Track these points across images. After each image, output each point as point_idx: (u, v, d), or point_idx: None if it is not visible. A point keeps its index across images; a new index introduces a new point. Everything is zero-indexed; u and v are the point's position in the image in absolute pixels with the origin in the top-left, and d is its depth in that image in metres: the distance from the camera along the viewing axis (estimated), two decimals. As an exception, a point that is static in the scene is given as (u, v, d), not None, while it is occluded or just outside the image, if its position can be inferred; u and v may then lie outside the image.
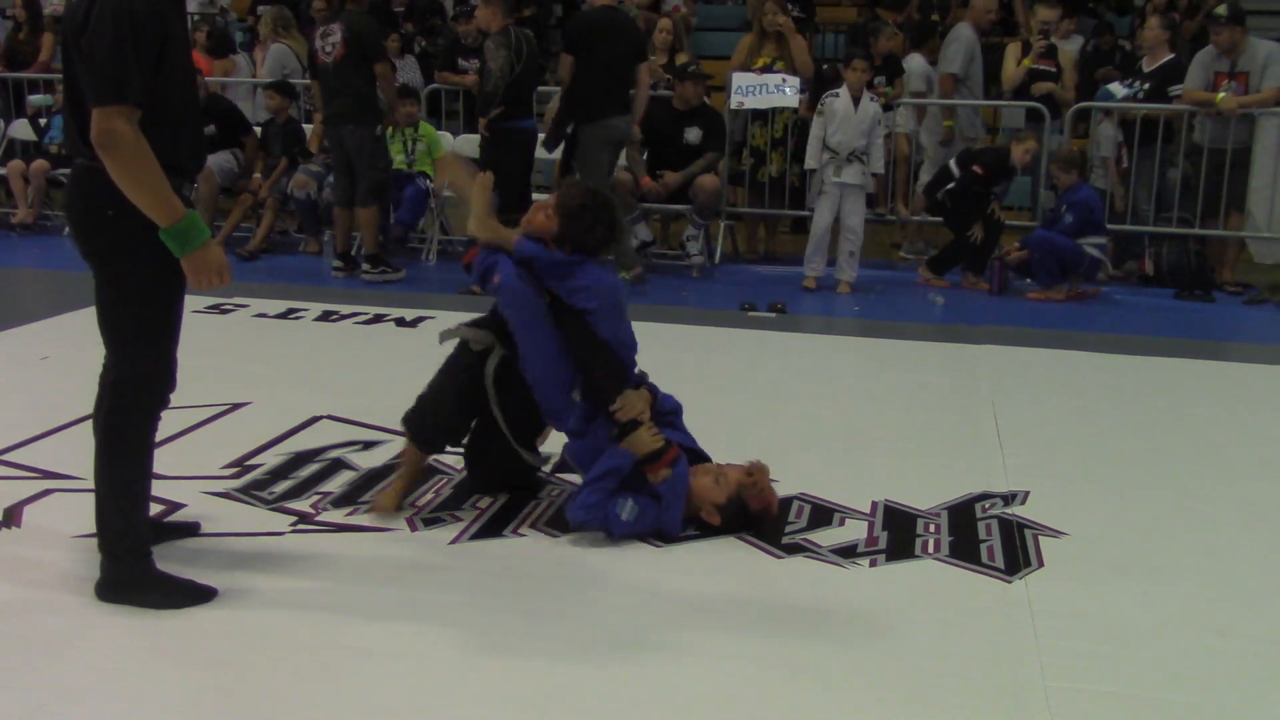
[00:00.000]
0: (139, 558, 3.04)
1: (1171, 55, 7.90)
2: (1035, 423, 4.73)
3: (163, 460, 4.03)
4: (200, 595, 3.03)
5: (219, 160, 8.32)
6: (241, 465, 4.01)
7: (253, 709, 2.57)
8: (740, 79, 8.12)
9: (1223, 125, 7.61)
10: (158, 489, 3.78)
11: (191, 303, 6.44)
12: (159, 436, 4.20)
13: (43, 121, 9.30)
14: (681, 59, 8.56)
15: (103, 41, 2.67)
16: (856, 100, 7.33)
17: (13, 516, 3.55)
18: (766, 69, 8.08)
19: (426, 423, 3.70)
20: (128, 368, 2.98)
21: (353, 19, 7.30)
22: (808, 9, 10.76)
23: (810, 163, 7.55)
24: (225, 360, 5.34)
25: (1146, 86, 7.89)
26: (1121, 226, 8.06)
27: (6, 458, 4.03)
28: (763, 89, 8.02)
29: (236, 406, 4.60)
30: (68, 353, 5.29)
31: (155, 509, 3.62)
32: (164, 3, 2.77)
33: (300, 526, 3.56)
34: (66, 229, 8.42)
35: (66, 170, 8.78)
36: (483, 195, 3.68)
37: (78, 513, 3.56)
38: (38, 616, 2.94)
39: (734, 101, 8.11)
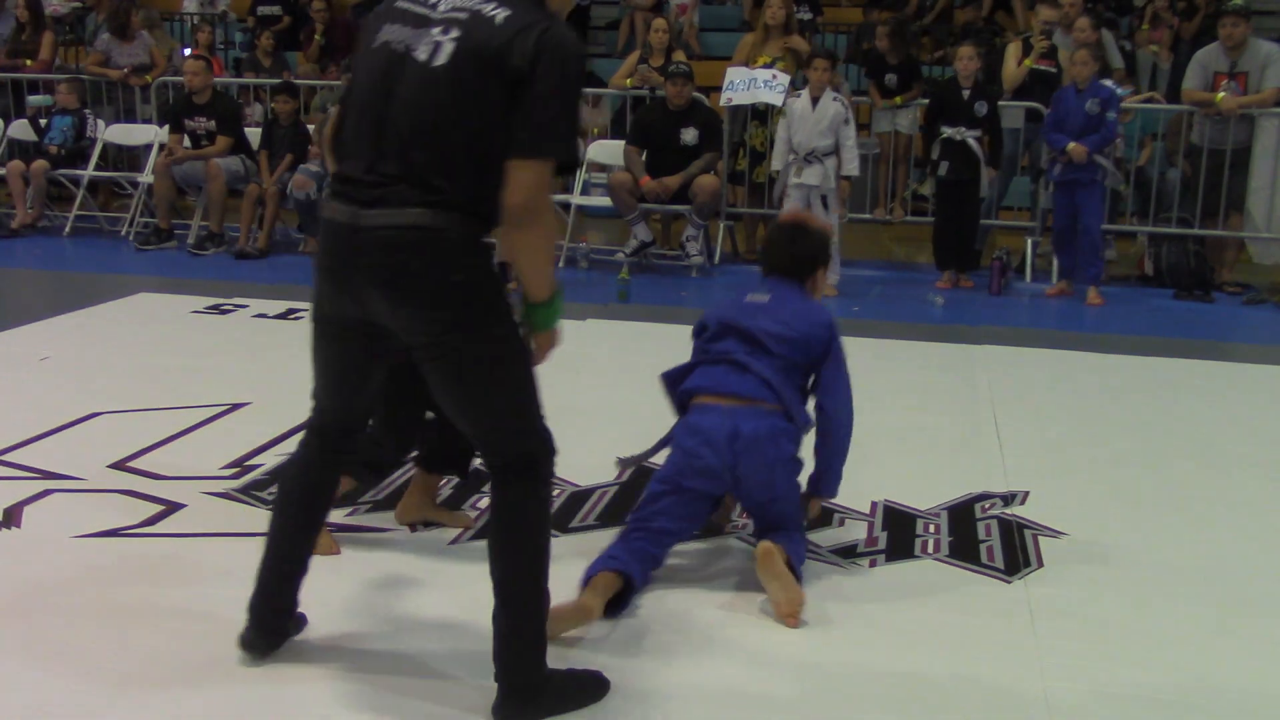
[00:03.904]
0: (543, 662, 2.60)
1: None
2: (1035, 423, 4.73)
3: (162, 460, 4.07)
4: (600, 686, 2.67)
5: (228, 164, 8.39)
6: (241, 465, 4.01)
7: (253, 709, 2.57)
8: (732, 74, 8.08)
9: (1222, 126, 7.62)
10: (159, 490, 3.81)
11: (190, 303, 6.56)
12: (157, 437, 4.28)
13: (43, 121, 9.28)
14: (679, 58, 8.55)
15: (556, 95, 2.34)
16: (816, 100, 7.21)
17: (13, 516, 3.54)
18: (768, 67, 8.06)
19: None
20: (534, 440, 2.52)
21: None
22: (814, 8, 10.74)
23: (775, 164, 7.46)
24: (225, 360, 5.34)
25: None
26: (1121, 226, 8.06)
27: (6, 458, 4.02)
28: (751, 84, 7.99)
29: (236, 406, 4.60)
30: (68, 353, 5.28)
31: (155, 509, 3.64)
32: None
33: (300, 527, 3.54)
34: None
35: (66, 170, 8.87)
36: None
37: (78, 513, 3.57)
38: (37, 616, 2.94)
39: (724, 97, 8.09)
